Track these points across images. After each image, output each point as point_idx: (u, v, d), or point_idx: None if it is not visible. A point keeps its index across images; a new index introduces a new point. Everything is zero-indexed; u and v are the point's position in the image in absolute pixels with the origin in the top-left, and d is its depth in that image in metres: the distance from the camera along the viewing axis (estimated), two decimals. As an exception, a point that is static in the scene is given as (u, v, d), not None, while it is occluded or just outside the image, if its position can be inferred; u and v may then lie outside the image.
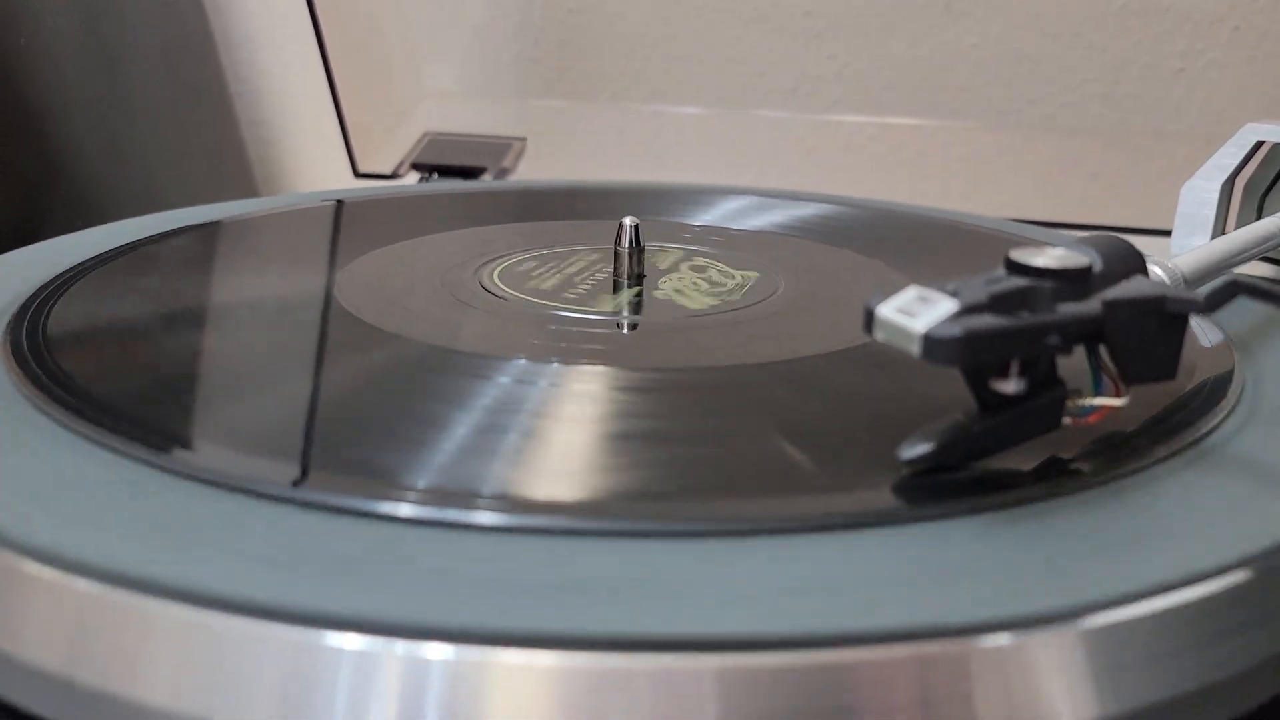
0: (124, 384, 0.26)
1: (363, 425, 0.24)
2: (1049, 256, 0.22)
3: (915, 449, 0.21)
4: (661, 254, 0.37)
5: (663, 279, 0.35)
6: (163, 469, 0.21)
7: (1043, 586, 0.19)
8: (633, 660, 0.17)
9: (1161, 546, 0.20)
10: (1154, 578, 0.19)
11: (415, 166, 0.56)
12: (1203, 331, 0.30)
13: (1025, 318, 0.21)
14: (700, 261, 0.37)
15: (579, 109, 0.60)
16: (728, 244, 0.39)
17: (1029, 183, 0.57)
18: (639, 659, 0.17)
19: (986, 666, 0.17)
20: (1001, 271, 0.22)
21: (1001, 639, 0.18)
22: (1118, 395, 0.23)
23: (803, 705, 0.17)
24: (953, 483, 0.21)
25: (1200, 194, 0.37)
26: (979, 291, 0.21)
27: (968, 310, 0.20)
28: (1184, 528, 0.21)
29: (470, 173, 0.55)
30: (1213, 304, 0.22)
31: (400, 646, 0.17)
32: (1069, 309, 0.21)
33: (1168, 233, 0.37)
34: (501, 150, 0.56)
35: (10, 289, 0.32)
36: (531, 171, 0.58)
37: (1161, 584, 0.19)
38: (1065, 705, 0.18)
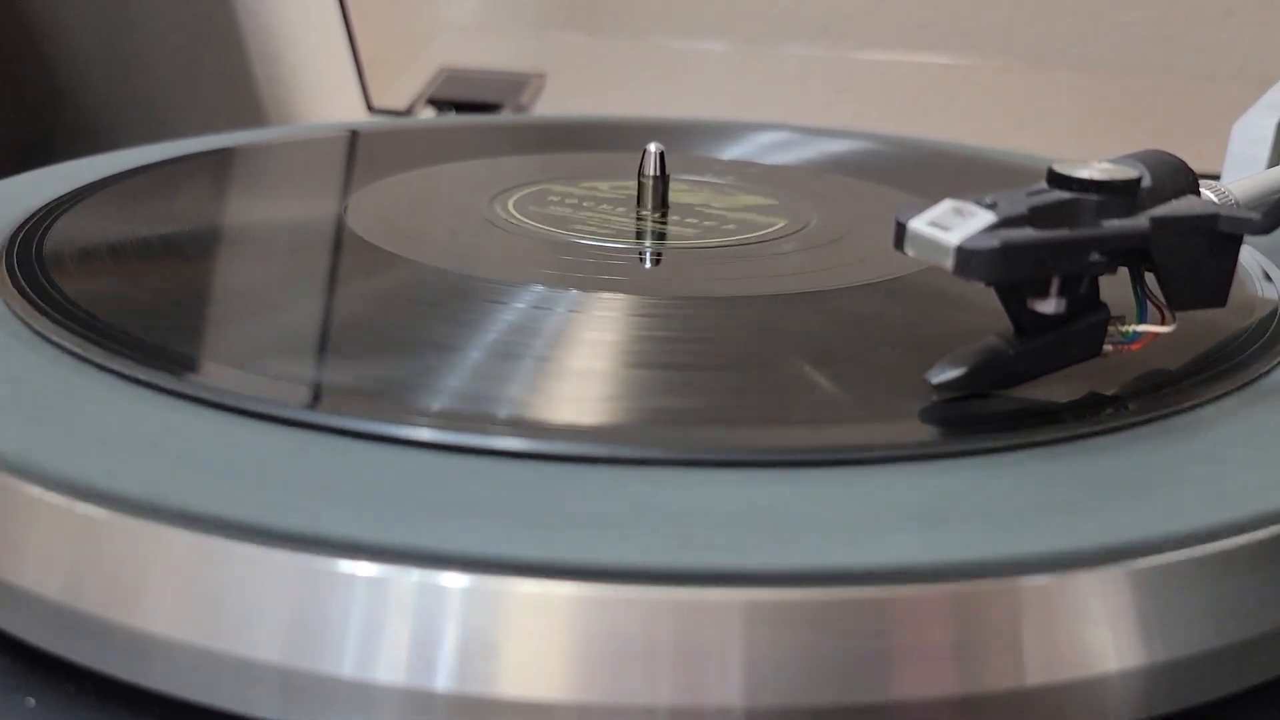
0: (125, 305, 0.25)
1: (375, 349, 0.23)
2: (1095, 168, 0.21)
3: (946, 373, 0.20)
4: (687, 186, 0.36)
5: (688, 210, 0.33)
6: (166, 391, 0.20)
7: (1084, 526, 0.17)
8: (656, 593, 0.16)
9: (1214, 489, 0.19)
10: (1205, 521, 0.18)
11: (431, 102, 0.55)
12: (1258, 274, 0.29)
13: (1067, 232, 0.19)
14: (727, 194, 0.35)
15: (600, 44, 0.58)
16: (757, 177, 0.38)
17: (1069, 125, 0.55)
18: (662, 591, 0.16)
19: (1025, 607, 0.16)
20: (1044, 184, 0.21)
21: (1042, 580, 0.16)
22: (1164, 323, 0.21)
23: (833, 646, 0.16)
24: (992, 415, 0.20)
25: (1253, 132, 0.35)
26: (1018, 204, 0.19)
27: (1006, 223, 0.19)
28: (1238, 471, 0.19)
29: (487, 109, 0.54)
30: (1270, 223, 0.20)
31: (414, 574, 0.16)
32: (1114, 225, 0.20)
33: (1215, 178, 0.36)
34: (519, 86, 0.55)
35: (11, 212, 0.31)
36: (550, 109, 0.56)
37: (1214, 528, 0.18)
38: (1111, 651, 0.17)
